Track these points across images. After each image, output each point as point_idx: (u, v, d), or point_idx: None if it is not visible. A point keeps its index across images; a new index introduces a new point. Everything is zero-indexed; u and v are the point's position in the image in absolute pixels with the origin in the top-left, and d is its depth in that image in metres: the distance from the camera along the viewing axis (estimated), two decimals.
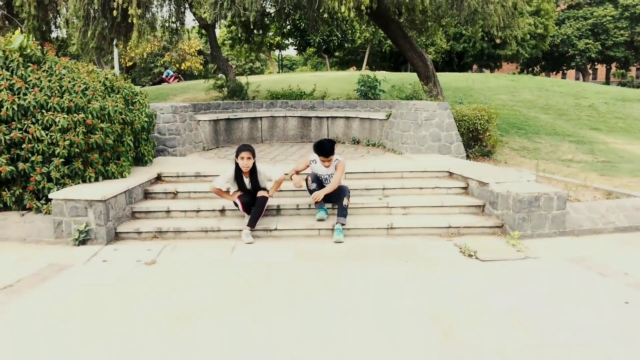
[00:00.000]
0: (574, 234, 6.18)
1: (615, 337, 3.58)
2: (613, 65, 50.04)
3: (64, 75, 6.73)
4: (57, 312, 4.04)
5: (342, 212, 6.08)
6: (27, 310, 4.10)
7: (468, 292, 4.42)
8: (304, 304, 4.17)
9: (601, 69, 54.42)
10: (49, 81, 6.48)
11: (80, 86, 6.62)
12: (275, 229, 6.19)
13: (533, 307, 4.08)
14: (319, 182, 6.42)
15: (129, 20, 9.88)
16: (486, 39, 32.47)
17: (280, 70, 49.75)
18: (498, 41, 12.23)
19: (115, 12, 9.71)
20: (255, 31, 16.90)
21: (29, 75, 6.47)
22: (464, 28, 13.50)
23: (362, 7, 9.31)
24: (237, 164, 6.11)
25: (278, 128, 12.45)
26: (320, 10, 9.71)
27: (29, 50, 6.74)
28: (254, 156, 6.10)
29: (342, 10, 8.84)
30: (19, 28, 9.02)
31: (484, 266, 5.13)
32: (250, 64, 47.40)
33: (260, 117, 12.35)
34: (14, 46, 6.65)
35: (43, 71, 6.67)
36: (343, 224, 6.09)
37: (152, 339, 3.59)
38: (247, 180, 6.20)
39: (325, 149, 6.13)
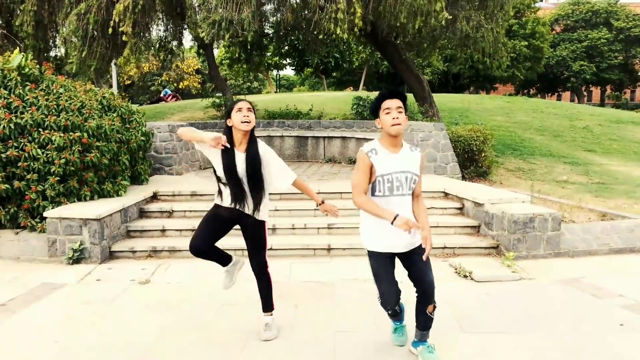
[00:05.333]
0: (568, 255, 6.19)
1: None
2: (608, 87, 50.52)
3: (61, 94, 6.77)
4: (50, 332, 4.01)
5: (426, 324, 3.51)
6: (19, 330, 4.06)
7: (462, 312, 4.41)
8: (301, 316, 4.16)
9: (596, 91, 54.91)
10: (47, 100, 6.52)
11: (76, 105, 6.65)
12: (270, 248, 6.18)
13: (527, 329, 4.07)
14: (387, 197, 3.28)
15: (124, 39, 9.96)
16: (470, 62, 32.79)
17: (278, 90, 50.02)
18: (495, 64, 12.40)
19: (110, 30, 9.79)
20: (253, 51, 17.05)
21: (27, 94, 6.51)
22: (457, 51, 13.65)
23: (355, 30, 9.43)
24: (229, 133, 3.80)
25: (275, 147, 12.47)
26: (316, 32, 9.82)
27: (27, 70, 6.78)
28: (255, 113, 3.87)
29: (337, 32, 8.95)
30: (18, 47, 9.09)
31: (479, 287, 5.12)
32: (248, 84, 47.71)
33: (257, 137, 12.37)
34: (13, 65, 6.70)
35: (40, 90, 6.71)
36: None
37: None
38: (240, 158, 3.75)
39: (395, 90, 3.36)
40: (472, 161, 10.13)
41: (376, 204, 3.20)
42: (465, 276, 5.41)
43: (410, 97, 15.02)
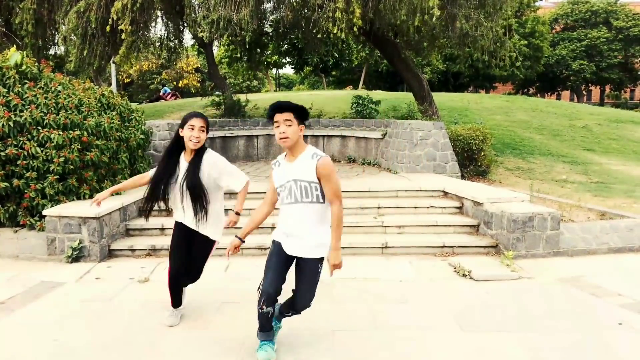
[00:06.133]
0: (567, 255, 6.19)
1: (609, 359, 3.57)
2: (607, 86, 50.52)
3: (60, 92, 6.76)
4: (49, 330, 4.00)
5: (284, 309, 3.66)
6: (18, 328, 4.06)
7: (461, 311, 4.41)
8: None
9: (595, 90, 54.91)
10: (45, 98, 6.51)
11: (74, 102, 6.65)
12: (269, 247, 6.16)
13: (526, 328, 4.07)
14: (286, 214, 3.34)
15: (122, 37, 9.95)
16: (470, 61, 32.69)
17: (278, 89, 49.98)
18: (505, 62, 12.37)
19: (108, 27, 9.77)
20: (252, 50, 17.05)
21: (26, 92, 6.50)
22: (457, 50, 13.60)
23: (355, 29, 9.42)
24: (177, 141, 3.84)
25: (274, 146, 12.48)
26: (315, 31, 9.81)
27: (24, 67, 6.78)
28: (207, 131, 3.85)
29: (335, 31, 8.94)
30: (15, 45, 9.07)
31: (478, 286, 5.12)
32: (248, 82, 47.66)
33: (257, 135, 12.40)
34: (10, 63, 6.69)
35: (39, 88, 6.70)
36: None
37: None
38: (182, 169, 3.81)
39: (283, 104, 3.41)
40: (471, 160, 10.13)
41: (252, 219, 3.53)
42: (464, 275, 5.41)
43: (410, 95, 15.03)
